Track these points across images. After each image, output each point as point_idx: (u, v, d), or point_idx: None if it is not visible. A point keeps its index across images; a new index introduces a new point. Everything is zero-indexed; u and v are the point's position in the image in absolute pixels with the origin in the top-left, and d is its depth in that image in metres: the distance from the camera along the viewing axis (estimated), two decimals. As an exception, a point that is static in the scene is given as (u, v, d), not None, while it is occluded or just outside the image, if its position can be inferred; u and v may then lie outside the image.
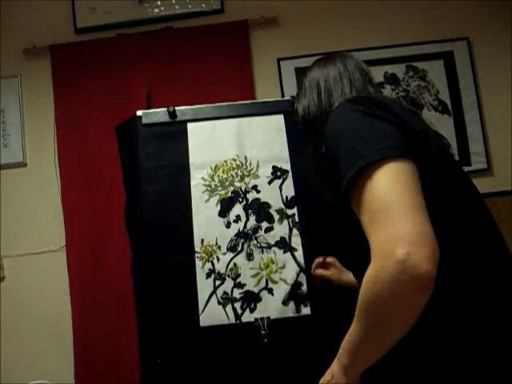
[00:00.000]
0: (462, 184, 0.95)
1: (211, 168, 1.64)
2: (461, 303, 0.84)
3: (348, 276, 1.47)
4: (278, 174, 1.64)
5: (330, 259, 1.51)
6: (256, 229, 1.59)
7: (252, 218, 1.60)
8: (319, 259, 1.53)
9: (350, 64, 1.17)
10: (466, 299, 0.84)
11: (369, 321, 0.79)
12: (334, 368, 0.90)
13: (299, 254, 1.56)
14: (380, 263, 0.74)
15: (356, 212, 0.83)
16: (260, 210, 1.60)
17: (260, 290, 1.53)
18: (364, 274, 0.79)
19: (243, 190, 1.63)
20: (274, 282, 1.54)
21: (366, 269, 0.78)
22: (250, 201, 1.62)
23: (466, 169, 2.51)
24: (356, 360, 0.85)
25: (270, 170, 1.65)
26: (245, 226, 1.59)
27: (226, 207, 1.60)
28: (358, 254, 0.94)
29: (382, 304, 0.75)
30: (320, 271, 1.52)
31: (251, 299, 1.52)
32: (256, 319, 1.49)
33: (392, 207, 0.74)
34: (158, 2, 2.41)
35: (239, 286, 1.53)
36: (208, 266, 1.54)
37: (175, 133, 1.68)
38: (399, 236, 0.72)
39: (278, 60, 2.38)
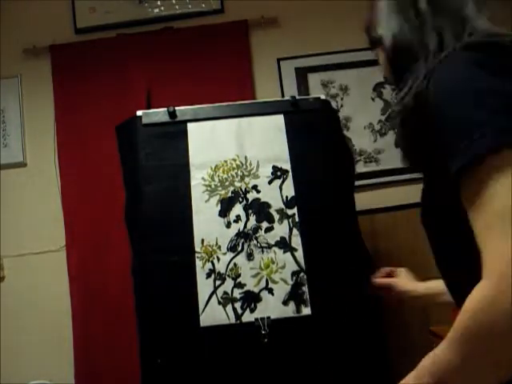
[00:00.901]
0: None
1: (211, 168, 1.64)
2: None
3: (420, 284, 1.30)
4: (278, 173, 1.64)
5: (400, 269, 1.37)
6: (256, 229, 1.59)
7: (252, 218, 1.60)
8: (386, 269, 1.41)
9: None
10: None
11: (470, 353, 0.61)
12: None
13: (299, 254, 1.56)
14: (500, 285, 0.57)
15: (467, 207, 0.65)
16: (260, 209, 1.60)
17: (260, 290, 1.53)
18: (461, 285, 0.66)
19: (243, 189, 1.63)
20: (274, 282, 1.54)
21: (466, 281, 0.64)
22: (250, 201, 1.62)
23: (466, 169, 2.51)
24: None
25: (270, 170, 1.65)
26: (245, 226, 1.59)
27: (226, 207, 1.60)
28: (455, 257, 0.78)
29: (493, 340, 0.58)
30: (380, 280, 1.40)
31: (251, 299, 1.52)
32: (256, 319, 1.49)
33: None
34: (158, 2, 2.41)
35: (239, 285, 1.53)
36: (208, 266, 1.54)
37: (175, 133, 1.68)
38: None
39: (278, 60, 2.38)
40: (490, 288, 0.58)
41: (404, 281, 1.37)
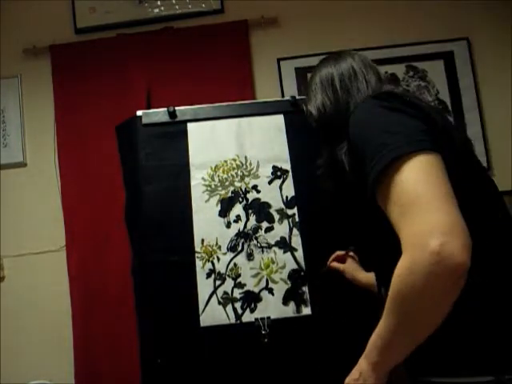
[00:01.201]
0: (482, 179, 0.95)
1: (211, 168, 1.64)
2: (490, 287, 0.83)
3: (363, 275, 1.47)
4: (278, 173, 1.64)
5: (351, 254, 1.52)
6: (256, 229, 1.59)
7: (252, 218, 1.60)
8: (340, 252, 1.53)
9: (360, 61, 1.16)
10: (494, 284, 0.83)
11: (401, 315, 0.78)
12: (362, 366, 0.88)
13: (299, 254, 1.56)
14: (414, 255, 0.73)
15: (383, 206, 0.83)
16: (260, 209, 1.60)
17: (260, 290, 1.53)
18: (388, 271, 0.78)
19: (243, 189, 1.63)
20: (275, 282, 1.54)
21: (391, 266, 0.77)
22: (250, 201, 1.62)
23: (466, 169, 2.50)
24: (386, 356, 0.83)
25: (270, 170, 1.65)
26: (245, 226, 1.59)
27: (226, 207, 1.60)
28: (381, 251, 0.94)
29: (416, 296, 0.74)
30: (335, 264, 1.53)
31: (251, 299, 1.52)
32: (256, 319, 1.49)
33: (423, 198, 0.74)
34: (158, 2, 2.41)
35: (239, 285, 1.53)
36: (208, 265, 1.54)
37: (175, 133, 1.68)
38: (432, 227, 0.71)
39: (278, 60, 2.37)
40: (408, 258, 0.74)
41: (351, 268, 1.51)
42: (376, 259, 1.05)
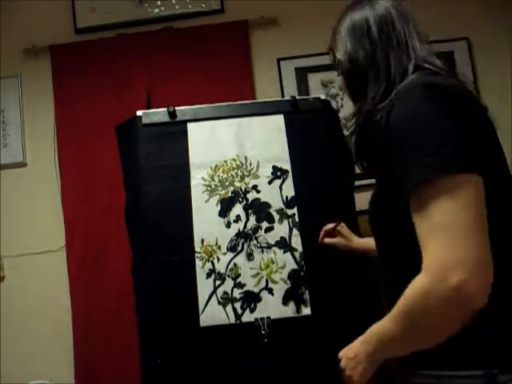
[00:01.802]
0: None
1: (211, 168, 1.64)
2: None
3: (357, 243, 1.50)
4: (278, 173, 1.64)
5: (340, 226, 1.52)
6: (256, 229, 1.59)
7: (252, 218, 1.60)
8: (329, 226, 1.54)
9: (400, 14, 1.01)
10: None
11: (409, 327, 0.81)
12: (359, 349, 0.92)
13: (299, 254, 1.56)
14: (434, 283, 0.74)
15: (413, 213, 0.80)
16: (260, 209, 1.61)
17: (260, 290, 1.53)
18: (392, 258, 0.84)
19: (243, 189, 1.63)
20: (274, 282, 1.54)
21: (400, 259, 0.83)
22: (250, 201, 1.62)
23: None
24: (384, 350, 0.88)
25: (270, 170, 1.65)
26: (245, 226, 1.59)
27: (226, 207, 1.60)
28: (393, 240, 0.94)
29: (426, 319, 0.77)
30: (327, 240, 1.53)
31: (251, 299, 1.52)
32: (256, 319, 1.49)
33: (457, 227, 0.73)
34: (158, 2, 2.41)
35: (239, 285, 1.53)
36: (208, 265, 1.54)
37: (175, 133, 1.68)
38: (458, 260, 0.72)
39: (278, 60, 2.37)
40: (427, 283, 0.75)
41: (344, 239, 1.53)
42: (385, 246, 1.01)
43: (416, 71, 0.93)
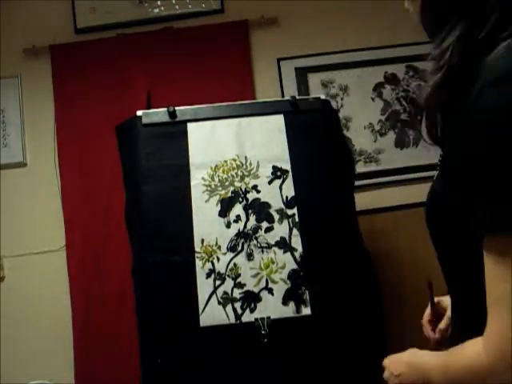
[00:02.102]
0: None
1: (211, 168, 1.64)
2: None
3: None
4: (278, 174, 1.64)
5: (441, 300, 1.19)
6: (256, 229, 1.59)
7: (252, 218, 1.60)
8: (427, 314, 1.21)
9: None
10: None
11: None
12: (405, 371, 0.83)
13: (299, 254, 1.56)
14: (495, 361, 0.61)
15: (486, 257, 0.63)
16: (260, 209, 1.60)
17: (260, 290, 1.53)
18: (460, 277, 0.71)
19: (243, 189, 1.63)
20: (274, 282, 1.54)
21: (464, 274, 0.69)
22: (250, 201, 1.62)
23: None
24: None
25: (270, 170, 1.65)
26: (245, 226, 1.59)
27: (226, 207, 1.60)
28: (457, 253, 0.76)
29: None
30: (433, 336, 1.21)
31: (251, 299, 1.52)
32: (256, 319, 1.49)
33: None
34: (158, 2, 2.41)
35: (239, 285, 1.53)
36: (208, 265, 1.54)
37: (175, 133, 1.68)
38: None
39: (278, 60, 2.37)
40: (488, 361, 0.62)
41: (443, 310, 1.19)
42: (448, 262, 0.83)
43: None
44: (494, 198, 0.59)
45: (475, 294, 0.66)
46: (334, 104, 2.28)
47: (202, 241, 1.56)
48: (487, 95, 0.57)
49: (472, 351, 0.66)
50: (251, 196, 1.62)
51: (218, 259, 1.55)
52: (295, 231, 1.58)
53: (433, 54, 0.67)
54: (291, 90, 2.31)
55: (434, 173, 0.79)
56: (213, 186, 1.62)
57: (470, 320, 0.72)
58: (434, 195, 0.77)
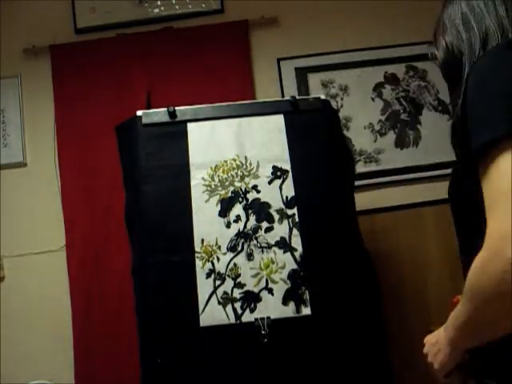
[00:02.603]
0: None
1: (211, 168, 1.64)
2: None
3: None
4: (278, 173, 1.64)
5: None
6: (256, 229, 1.59)
7: (252, 218, 1.60)
8: None
9: None
10: None
11: (472, 309, 0.76)
12: (441, 335, 0.88)
13: (299, 254, 1.56)
14: (489, 256, 0.69)
15: (480, 177, 0.75)
16: (260, 209, 1.60)
17: (260, 290, 1.53)
18: (469, 237, 0.78)
19: (243, 190, 1.63)
20: (274, 282, 1.54)
21: (474, 233, 0.75)
22: (250, 201, 1.62)
23: (466, 169, 2.48)
24: (461, 336, 0.82)
25: (270, 170, 1.65)
26: (245, 226, 1.59)
27: (226, 207, 1.60)
28: (468, 215, 0.88)
29: (485, 299, 0.71)
30: None
31: (251, 299, 1.52)
32: (256, 319, 1.49)
33: None
34: (158, 2, 2.41)
35: (239, 285, 1.53)
36: (208, 265, 1.54)
37: (175, 133, 1.68)
38: None
39: (278, 60, 2.37)
40: (483, 258, 0.70)
41: None
42: (462, 221, 0.94)
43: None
44: (479, 124, 0.74)
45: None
46: (334, 104, 2.28)
47: (202, 241, 1.56)
48: (483, 58, 0.80)
49: (475, 260, 0.72)
50: (251, 196, 1.62)
51: (218, 259, 1.55)
52: (295, 231, 1.58)
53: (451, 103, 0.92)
54: (291, 90, 2.31)
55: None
56: (213, 186, 1.62)
57: None
58: (455, 177, 0.93)
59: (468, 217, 0.89)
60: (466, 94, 0.80)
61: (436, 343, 0.88)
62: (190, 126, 1.69)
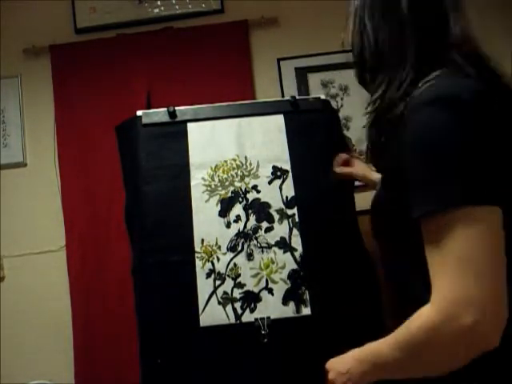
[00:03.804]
0: None
1: (211, 168, 1.64)
2: None
3: (374, 175, 1.45)
4: (278, 174, 1.64)
5: (356, 154, 1.51)
6: (256, 229, 1.59)
7: (252, 218, 1.60)
8: (344, 156, 1.53)
9: None
10: None
11: (409, 359, 0.77)
12: (352, 365, 0.88)
13: (299, 253, 1.56)
14: (443, 319, 0.69)
15: (425, 238, 0.75)
16: (260, 210, 1.60)
17: (260, 290, 1.53)
18: (398, 265, 0.83)
19: (243, 190, 1.63)
20: (274, 282, 1.54)
21: (402, 265, 0.81)
22: (250, 201, 1.62)
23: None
24: (377, 373, 0.84)
25: (270, 170, 1.65)
26: (245, 226, 1.59)
27: (226, 207, 1.60)
28: (398, 246, 0.88)
29: (432, 354, 0.73)
30: (344, 169, 1.53)
31: (251, 299, 1.52)
32: (256, 319, 1.49)
33: (469, 262, 0.68)
34: (158, 2, 2.41)
35: (239, 285, 1.53)
36: (208, 265, 1.54)
37: (175, 133, 1.68)
38: (473, 300, 0.67)
39: (278, 60, 2.37)
40: (436, 318, 0.71)
41: (360, 169, 1.52)
42: (390, 251, 0.94)
43: (445, 63, 0.81)
44: (426, 187, 0.73)
45: (415, 278, 0.79)
46: (333, 104, 2.28)
47: (202, 241, 1.56)
48: (415, 115, 0.76)
49: (420, 316, 0.74)
50: (251, 196, 1.62)
51: (218, 259, 1.55)
52: (295, 231, 1.58)
53: (369, 100, 0.90)
54: (291, 90, 2.31)
55: None
56: (213, 186, 1.62)
57: (409, 300, 0.81)
58: (378, 201, 0.93)
59: (390, 238, 0.90)
60: (407, 144, 0.76)
61: (346, 373, 0.88)
62: (190, 126, 1.69)
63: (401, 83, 0.82)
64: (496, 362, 0.75)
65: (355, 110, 2.35)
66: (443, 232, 0.70)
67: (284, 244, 1.57)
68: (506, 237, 0.71)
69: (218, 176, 1.64)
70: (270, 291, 1.53)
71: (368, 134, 0.91)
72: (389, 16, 0.85)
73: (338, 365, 0.92)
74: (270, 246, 1.57)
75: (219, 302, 1.51)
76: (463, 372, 0.73)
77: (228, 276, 1.54)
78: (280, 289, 1.53)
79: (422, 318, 0.73)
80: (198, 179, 1.62)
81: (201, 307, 1.50)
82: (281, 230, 1.59)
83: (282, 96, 2.32)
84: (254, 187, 1.63)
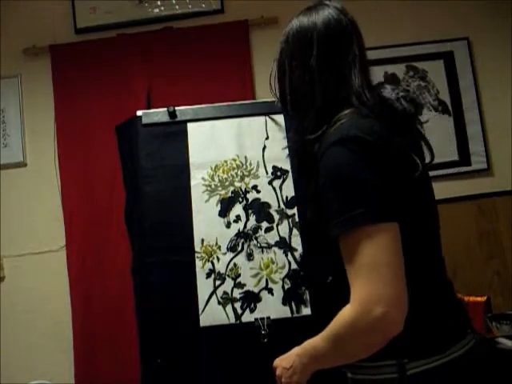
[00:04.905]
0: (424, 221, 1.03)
1: (211, 168, 1.64)
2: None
3: None
4: (278, 174, 1.64)
5: None
6: (256, 229, 1.59)
7: (252, 218, 1.60)
8: None
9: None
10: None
11: (338, 348, 0.96)
12: (294, 360, 1.05)
13: (299, 254, 1.56)
14: (360, 314, 0.88)
15: (342, 253, 0.93)
16: (260, 210, 1.60)
17: (260, 290, 1.53)
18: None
19: (243, 190, 1.63)
20: (274, 282, 1.54)
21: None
22: (250, 201, 1.62)
23: (465, 169, 2.49)
24: (317, 364, 1.02)
25: (270, 170, 1.65)
26: (245, 226, 1.59)
27: (226, 207, 1.60)
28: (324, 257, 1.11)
29: (355, 343, 0.93)
30: None
31: (251, 299, 1.52)
32: (256, 319, 1.49)
33: (376, 268, 0.87)
34: (158, 2, 2.41)
35: (239, 285, 1.53)
36: (208, 265, 1.54)
37: (175, 133, 1.68)
38: (381, 296, 0.85)
39: (278, 60, 2.37)
40: (355, 314, 0.89)
41: None
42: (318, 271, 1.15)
43: (350, 106, 1.00)
44: (337, 214, 0.91)
45: (339, 283, 0.99)
46: (333, 104, 2.28)
47: (202, 241, 1.56)
48: (325, 155, 0.95)
49: (343, 314, 0.93)
50: (251, 196, 1.62)
51: (218, 259, 1.55)
52: (295, 231, 1.58)
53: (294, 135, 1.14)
54: (291, 90, 2.31)
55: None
56: (213, 186, 1.62)
57: (336, 303, 0.98)
58: (308, 224, 1.15)
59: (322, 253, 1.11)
60: (321, 179, 0.95)
61: (290, 368, 1.05)
62: (190, 126, 1.69)
63: (313, 127, 1.02)
64: (411, 338, 0.92)
65: (355, 110, 2.35)
66: (353, 247, 0.89)
67: (284, 244, 1.57)
68: (407, 243, 0.89)
69: (218, 176, 1.64)
70: (270, 291, 1.53)
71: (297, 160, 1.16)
72: (302, 67, 1.08)
73: (283, 362, 1.09)
74: (269, 246, 1.57)
75: (219, 302, 1.51)
76: (391, 350, 0.91)
77: (228, 276, 1.54)
78: (280, 289, 1.53)
79: (345, 315, 0.92)
80: (198, 179, 1.62)
81: (201, 307, 1.50)
82: (281, 230, 1.59)
83: (282, 96, 2.32)
84: (254, 187, 1.63)
